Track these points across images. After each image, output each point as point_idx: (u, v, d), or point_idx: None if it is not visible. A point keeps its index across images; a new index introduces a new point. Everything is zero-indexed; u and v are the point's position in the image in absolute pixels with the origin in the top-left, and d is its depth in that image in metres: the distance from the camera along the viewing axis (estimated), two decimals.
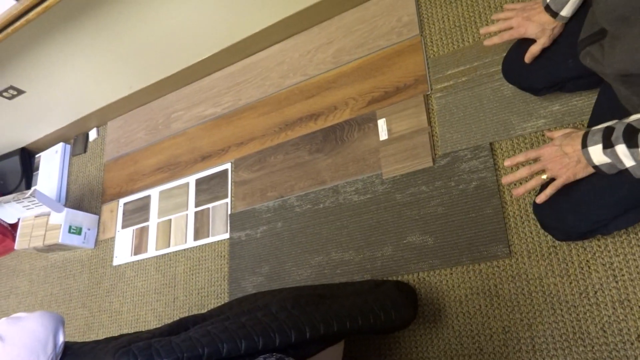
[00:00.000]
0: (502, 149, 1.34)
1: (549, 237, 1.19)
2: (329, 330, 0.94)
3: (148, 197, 2.03)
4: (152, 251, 1.93)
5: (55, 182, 2.33)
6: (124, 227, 2.06)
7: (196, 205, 1.87)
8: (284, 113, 1.75)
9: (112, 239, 2.08)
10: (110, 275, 2.03)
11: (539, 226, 1.21)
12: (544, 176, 1.01)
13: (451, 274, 1.31)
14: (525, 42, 1.19)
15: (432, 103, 1.47)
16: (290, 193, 1.65)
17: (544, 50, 1.17)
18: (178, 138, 2.02)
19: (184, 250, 1.85)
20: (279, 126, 1.74)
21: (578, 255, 1.16)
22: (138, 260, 1.97)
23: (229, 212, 1.77)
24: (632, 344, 1.07)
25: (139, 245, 1.98)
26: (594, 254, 1.14)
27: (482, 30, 1.21)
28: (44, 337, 0.81)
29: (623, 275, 1.10)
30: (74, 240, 2.07)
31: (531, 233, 1.23)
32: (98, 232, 2.14)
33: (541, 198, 1.02)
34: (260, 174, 1.74)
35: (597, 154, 0.91)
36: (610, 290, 1.11)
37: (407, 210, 1.44)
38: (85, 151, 2.36)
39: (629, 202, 0.99)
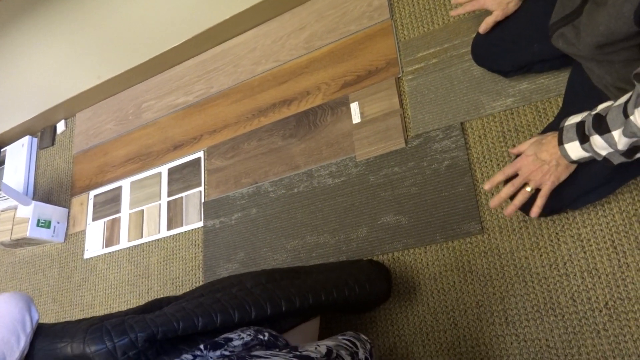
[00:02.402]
0: (472, 128, 1.36)
1: (520, 212, 1.22)
2: (305, 303, 0.94)
3: (119, 189, 1.99)
4: (124, 243, 1.90)
5: (22, 176, 2.27)
6: (94, 219, 2.02)
7: (169, 195, 1.84)
8: (257, 99, 1.74)
9: (83, 232, 2.04)
10: (81, 269, 1.98)
11: (508, 202, 1.24)
12: (529, 188, 1.02)
13: (425, 252, 1.33)
14: (492, 28, 1.22)
15: (404, 85, 1.48)
16: (265, 179, 1.64)
17: (510, 35, 1.19)
18: (149, 128, 1.99)
19: (157, 240, 1.82)
20: (252, 113, 1.74)
21: (547, 228, 1.19)
22: (110, 253, 1.93)
23: (203, 201, 1.76)
24: (600, 311, 1.09)
25: (111, 237, 1.94)
26: (563, 226, 1.17)
27: (453, 0, 1.24)
28: (20, 317, 0.78)
29: (590, 245, 1.13)
30: (43, 234, 2.02)
31: (502, 209, 1.25)
32: (68, 225, 2.10)
33: (535, 212, 1.02)
34: (233, 161, 1.73)
35: (575, 150, 0.93)
36: (578, 260, 1.14)
37: (380, 192, 1.45)
38: (53, 144, 2.31)
39: (599, 180, 1.02)
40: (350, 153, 1.51)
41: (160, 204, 1.85)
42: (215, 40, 1.87)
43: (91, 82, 2.09)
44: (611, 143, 0.86)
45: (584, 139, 0.91)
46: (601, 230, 1.13)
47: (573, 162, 0.96)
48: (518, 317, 1.17)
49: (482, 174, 1.31)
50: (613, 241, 1.12)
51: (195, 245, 1.72)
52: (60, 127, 2.31)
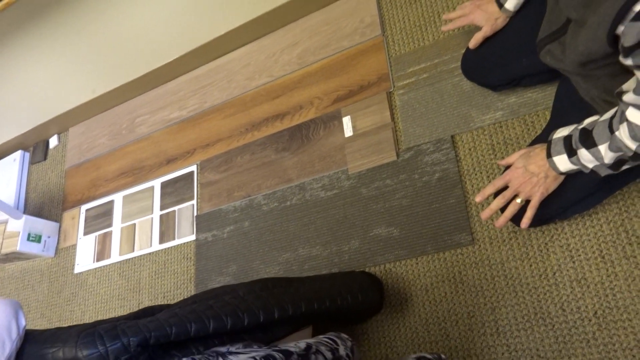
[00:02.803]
0: (462, 141, 1.38)
1: (510, 223, 1.24)
2: (297, 311, 0.95)
3: (111, 203, 1.99)
4: (115, 256, 1.89)
5: (13, 191, 2.26)
6: (86, 233, 2.01)
7: (161, 209, 1.85)
8: (250, 114, 1.76)
9: (74, 246, 2.02)
10: (71, 284, 1.97)
11: (499, 213, 1.25)
12: (519, 200, 1.04)
13: (417, 263, 1.34)
14: (481, 44, 1.25)
15: (395, 99, 1.51)
16: (257, 192, 1.65)
17: (499, 50, 1.22)
18: (142, 142, 2.00)
19: (149, 254, 1.81)
20: (245, 127, 1.75)
21: (537, 239, 1.20)
22: (101, 267, 1.92)
23: (195, 214, 1.76)
24: (589, 320, 1.11)
25: (102, 251, 1.93)
26: (552, 237, 1.19)
27: (444, 16, 1.28)
28: (6, 323, 0.78)
29: (579, 255, 1.15)
30: (33, 248, 2.00)
31: (492, 220, 1.26)
32: (59, 239, 2.08)
33: (525, 223, 1.04)
34: (226, 175, 1.74)
35: (563, 163, 0.95)
36: (567, 270, 1.15)
37: (372, 204, 1.46)
38: (45, 158, 2.31)
39: (587, 190, 1.04)
40: (342, 166, 1.52)
41: (152, 218, 1.85)
42: (209, 56, 1.90)
43: (85, 97, 2.10)
44: (598, 157, 0.88)
45: (571, 153, 0.93)
46: (589, 240, 1.15)
47: (562, 174, 0.98)
48: (509, 328, 1.18)
49: (472, 186, 1.32)
50: (601, 251, 1.13)
51: (187, 258, 1.72)
52: (53, 141, 2.31)
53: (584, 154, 0.90)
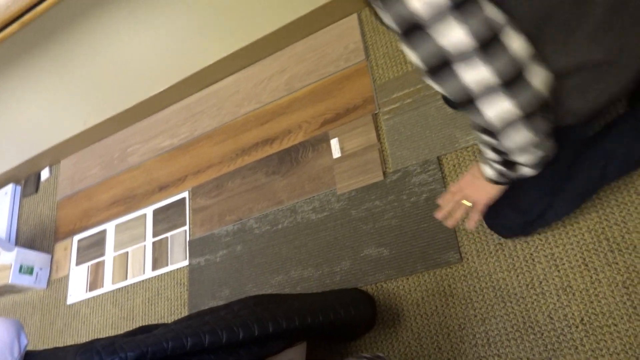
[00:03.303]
0: (448, 162, 1.42)
1: (495, 235, 1.27)
2: (291, 325, 0.96)
3: (104, 232, 2.00)
4: (108, 286, 1.89)
5: (4, 224, 2.26)
6: (78, 264, 2.01)
7: (154, 236, 1.86)
8: (240, 139, 1.80)
9: (66, 277, 2.02)
10: (64, 315, 1.96)
11: (485, 226, 1.29)
12: (468, 203, 1.06)
13: (407, 280, 1.36)
14: None
15: (381, 122, 1.56)
16: (249, 215, 1.68)
17: None
18: (134, 171, 2.03)
19: (142, 281, 1.82)
20: (235, 152, 1.79)
21: (522, 249, 1.24)
22: (93, 297, 1.92)
23: (188, 239, 1.78)
24: (577, 327, 1.13)
25: (95, 281, 1.94)
26: (537, 247, 1.22)
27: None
28: (9, 341, 0.80)
29: (564, 264, 1.19)
30: (25, 280, 2.00)
31: (479, 233, 1.30)
32: (51, 271, 2.08)
33: (470, 224, 1.07)
34: (218, 200, 1.77)
35: (486, 168, 0.95)
36: (553, 279, 1.19)
37: (362, 225, 1.49)
38: (36, 191, 2.32)
39: (551, 187, 1.06)
40: (331, 186, 1.56)
41: (145, 245, 1.87)
42: (199, 85, 1.95)
43: (77, 128, 2.13)
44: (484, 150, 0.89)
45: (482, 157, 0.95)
46: (572, 249, 1.19)
47: (491, 180, 0.97)
48: (499, 338, 1.20)
49: None
50: (584, 259, 1.17)
51: (180, 284, 1.73)
52: (45, 174, 2.33)
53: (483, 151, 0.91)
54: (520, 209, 1.10)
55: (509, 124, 0.74)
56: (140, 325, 1.68)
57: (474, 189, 1.04)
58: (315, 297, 1.12)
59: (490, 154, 0.87)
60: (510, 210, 1.11)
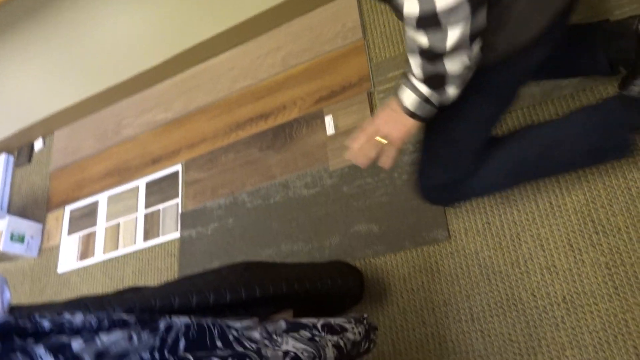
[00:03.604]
0: None
1: (484, 214, 1.29)
2: (278, 291, 0.98)
3: (96, 203, 2.01)
4: (99, 255, 1.90)
5: None
6: (69, 233, 2.02)
7: (146, 207, 1.87)
8: (235, 114, 1.80)
9: (57, 246, 2.03)
10: (54, 283, 1.97)
11: (474, 205, 1.31)
12: (383, 141, 0.98)
13: (395, 255, 1.38)
14: None
15: (376, 102, 1.57)
16: (242, 189, 1.69)
17: None
18: (128, 144, 2.03)
19: (133, 252, 1.83)
20: (229, 127, 1.80)
21: (509, 229, 1.26)
22: (84, 267, 1.93)
23: (180, 212, 1.79)
24: (558, 305, 1.16)
25: (85, 250, 1.94)
26: (523, 227, 1.24)
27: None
28: None
29: (549, 244, 1.21)
30: (16, 248, 2.00)
31: (467, 212, 1.32)
32: (42, 240, 2.09)
33: (387, 162, 1.00)
34: (211, 173, 1.77)
35: (407, 96, 0.90)
36: (538, 258, 1.21)
37: (353, 201, 1.51)
38: (29, 161, 2.32)
39: (480, 149, 1.05)
40: (324, 163, 1.57)
41: (137, 217, 1.88)
42: (195, 60, 1.95)
43: (71, 100, 2.13)
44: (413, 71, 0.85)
45: (404, 76, 0.90)
46: (558, 229, 1.21)
47: (410, 111, 0.92)
48: (483, 314, 1.22)
49: None
50: (569, 240, 1.19)
51: (171, 255, 1.74)
52: (38, 144, 2.33)
53: (413, 79, 0.88)
54: (447, 166, 1.07)
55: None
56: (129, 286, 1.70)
57: (390, 125, 0.96)
58: (303, 266, 1.14)
59: (418, 69, 0.84)
60: (438, 168, 1.09)
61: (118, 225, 1.91)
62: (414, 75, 0.88)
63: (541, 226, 1.23)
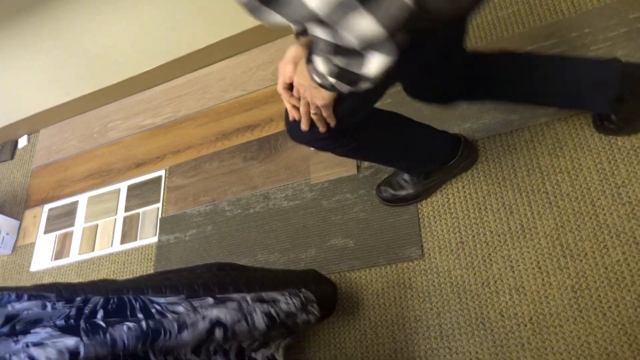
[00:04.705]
0: None
1: (458, 233, 1.32)
2: (252, 292, 0.99)
3: (76, 203, 2.00)
4: (74, 256, 1.89)
5: None
6: (46, 232, 2.01)
7: (126, 210, 1.87)
8: (222, 124, 1.83)
9: (32, 244, 2.01)
10: (26, 281, 1.95)
11: (449, 224, 1.34)
12: (312, 111, 0.92)
13: (369, 271, 1.40)
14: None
15: None
16: (223, 198, 1.70)
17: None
18: (113, 146, 2.04)
19: (109, 254, 1.82)
20: (216, 136, 1.82)
21: (482, 249, 1.29)
22: (58, 266, 1.91)
23: (160, 216, 1.79)
24: (525, 325, 1.18)
25: (61, 250, 1.93)
26: (495, 248, 1.27)
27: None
28: None
29: (519, 265, 1.24)
30: None
31: (442, 231, 1.35)
32: (18, 237, 2.07)
33: (321, 129, 0.95)
34: (194, 180, 1.79)
35: (317, 74, 0.80)
36: (507, 279, 1.24)
37: (332, 216, 1.53)
38: (12, 158, 2.31)
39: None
40: (306, 176, 1.60)
41: (115, 219, 1.87)
42: (187, 68, 1.98)
43: (59, 99, 2.13)
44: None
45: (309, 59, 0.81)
46: (528, 251, 1.24)
47: (318, 83, 0.83)
48: (452, 332, 1.24)
49: (426, 203, 1.41)
50: (538, 262, 1.22)
51: (147, 259, 1.74)
52: (22, 142, 2.32)
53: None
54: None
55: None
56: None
57: (308, 93, 0.88)
58: (277, 271, 1.15)
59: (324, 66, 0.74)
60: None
61: (96, 226, 1.90)
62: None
63: (512, 248, 1.26)
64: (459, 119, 1.46)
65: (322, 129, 0.95)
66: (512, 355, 1.17)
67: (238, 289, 0.97)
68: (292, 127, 1.02)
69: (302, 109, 0.94)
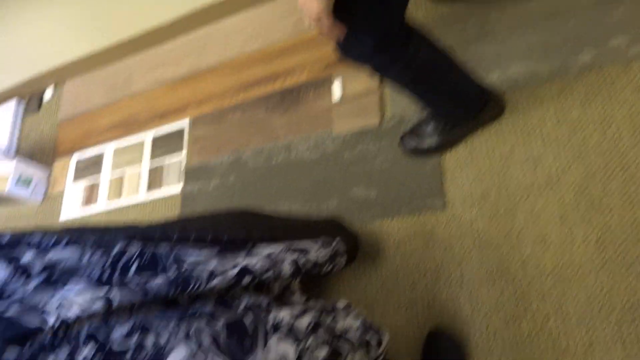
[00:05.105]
0: None
1: (481, 185, 1.31)
2: (274, 238, 1.01)
3: (102, 154, 2.04)
4: (102, 205, 1.94)
5: (6, 139, 2.29)
6: (75, 181, 2.05)
7: (151, 161, 1.90)
8: (244, 75, 1.82)
9: (61, 193, 2.07)
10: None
11: (472, 176, 1.33)
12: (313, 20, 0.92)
13: (391, 221, 1.41)
14: None
15: None
16: (245, 149, 1.71)
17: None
18: (137, 98, 2.05)
19: (135, 204, 1.86)
20: (238, 87, 1.81)
21: (505, 201, 1.28)
22: (87, 215, 1.96)
23: (183, 167, 1.81)
24: (547, 277, 1.18)
25: (89, 200, 1.98)
26: (519, 199, 1.26)
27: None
28: None
29: (543, 218, 1.23)
30: (22, 192, 2.04)
31: (465, 182, 1.34)
32: (48, 186, 2.13)
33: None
34: (217, 131, 1.80)
35: None
36: (530, 231, 1.23)
37: (353, 166, 1.53)
38: (39, 110, 2.34)
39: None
40: (328, 127, 1.59)
41: (141, 169, 1.90)
42: (209, 18, 1.95)
43: (84, 50, 2.14)
44: None
45: None
46: (553, 204, 1.23)
47: None
48: (472, 281, 1.25)
49: (450, 154, 1.39)
50: (563, 215, 1.21)
51: (172, 209, 1.78)
52: (48, 94, 2.35)
53: None
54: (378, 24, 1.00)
55: None
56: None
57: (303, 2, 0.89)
58: (299, 219, 1.17)
59: None
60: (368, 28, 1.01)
61: (122, 176, 1.94)
62: None
63: (536, 200, 1.25)
64: (486, 70, 1.43)
65: (333, 39, 0.99)
66: (532, 305, 1.18)
67: (262, 234, 0.99)
68: (340, 47, 1.05)
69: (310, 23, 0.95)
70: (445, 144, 1.38)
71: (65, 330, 0.67)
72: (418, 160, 1.43)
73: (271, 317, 0.76)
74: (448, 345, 1.20)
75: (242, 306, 0.78)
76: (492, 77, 1.40)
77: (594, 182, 1.20)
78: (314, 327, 0.79)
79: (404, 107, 1.51)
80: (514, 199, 1.27)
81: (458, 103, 1.29)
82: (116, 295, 0.69)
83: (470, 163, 1.35)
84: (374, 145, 1.52)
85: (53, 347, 0.65)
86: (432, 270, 1.30)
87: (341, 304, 0.90)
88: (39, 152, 2.24)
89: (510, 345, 1.17)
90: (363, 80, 1.58)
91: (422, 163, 1.43)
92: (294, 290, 0.99)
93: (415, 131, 1.41)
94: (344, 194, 1.51)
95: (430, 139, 1.38)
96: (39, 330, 0.64)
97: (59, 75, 2.28)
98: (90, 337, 0.67)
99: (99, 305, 0.67)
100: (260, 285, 0.88)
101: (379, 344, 0.90)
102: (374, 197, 1.47)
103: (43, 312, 0.65)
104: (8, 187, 1.99)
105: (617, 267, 1.13)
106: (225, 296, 0.81)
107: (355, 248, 1.30)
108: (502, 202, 1.28)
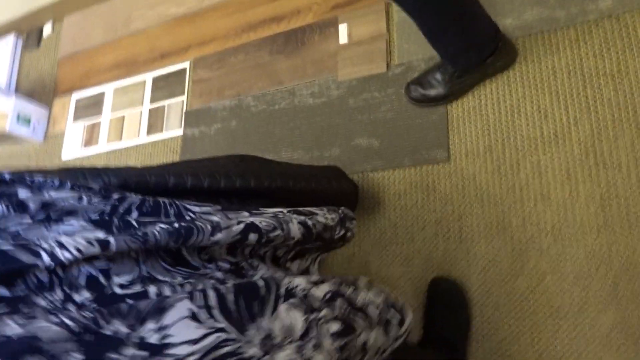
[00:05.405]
0: None
1: (487, 137, 1.28)
2: (273, 185, 0.99)
3: (102, 94, 2.00)
4: (102, 146, 1.92)
5: (4, 75, 2.25)
6: (75, 121, 2.03)
7: (151, 102, 1.86)
8: (248, 15, 1.75)
9: (62, 133, 2.05)
10: None
11: (478, 128, 1.30)
12: None
13: (393, 172, 1.38)
14: None
15: (393, 14, 1.51)
16: (248, 92, 1.67)
17: None
18: (138, 36, 1.99)
19: (136, 146, 1.85)
20: (241, 27, 1.75)
21: (510, 154, 1.25)
22: (87, 156, 1.95)
23: (185, 110, 1.78)
24: (547, 233, 1.17)
25: (90, 139, 1.96)
26: (525, 153, 1.23)
27: None
28: None
29: (548, 173, 1.20)
30: (22, 131, 2.02)
31: (471, 134, 1.30)
32: (48, 125, 2.10)
33: None
34: (219, 73, 1.75)
35: None
36: (534, 186, 1.21)
37: (358, 115, 1.49)
38: (38, 46, 2.29)
39: None
40: (333, 73, 1.54)
41: (141, 111, 1.87)
42: None
43: None
44: None
45: None
46: (559, 159, 1.20)
47: None
48: (471, 235, 1.24)
49: (456, 105, 1.35)
50: (568, 170, 1.18)
51: (173, 152, 1.76)
52: (47, 30, 2.28)
53: None
54: None
55: None
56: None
57: None
58: (299, 166, 1.15)
59: None
60: None
61: (123, 117, 1.91)
62: None
63: (542, 154, 1.22)
64: (499, 14, 1.36)
65: None
66: (529, 262, 1.17)
67: (259, 180, 0.98)
68: None
69: None
70: (453, 94, 1.33)
71: (63, 271, 0.66)
72: (424, 110, 1.39)
73: (286, 281, 0.74)
74: (452, 288, 1.20)
75: (257, 277, 0.77)
76: (505, 22, 1.34)
77: (603, 138, 1.17)
78: (332, 297, 0.77)
79: (411, 54, 1.45)
80: (520, 152, 1.24)
81: (470, 40, 1.21)
82: (115, 239, 0.68)
83: (477, 114, 1.31)
84: (379, 93, 1.48)
85: (51, 286, 0.65)
86: (432, 223, 1.29)
87: (362, 281, 0.88)
88: (39, 89, 2.20)
89: (504, 301, 1.17)
90: (370, 25, 1.52)
91: (428, 113, 1.39)
92: (313, 272, 0.97)
93: (422, 80, 1.37)
94: (346, 142, 1.48)
95: (437, 88, 1.34)
96: (33, 266, 0.63)
97: (58, 10, 2.21)
98: (91, 279, 0.66)
99: (96, 247, 0.66)
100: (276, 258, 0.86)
101: (401, 323, 0.88)
102: (377, 146, 1.44)
103: (38, 248, 0.64)
104: (9, 124, 1.97)
105: (619, 226, 1.11)
106: (240, 264, 0.79)
107: (354, 199, 1.28)
108: (507, 156, 1.25)
